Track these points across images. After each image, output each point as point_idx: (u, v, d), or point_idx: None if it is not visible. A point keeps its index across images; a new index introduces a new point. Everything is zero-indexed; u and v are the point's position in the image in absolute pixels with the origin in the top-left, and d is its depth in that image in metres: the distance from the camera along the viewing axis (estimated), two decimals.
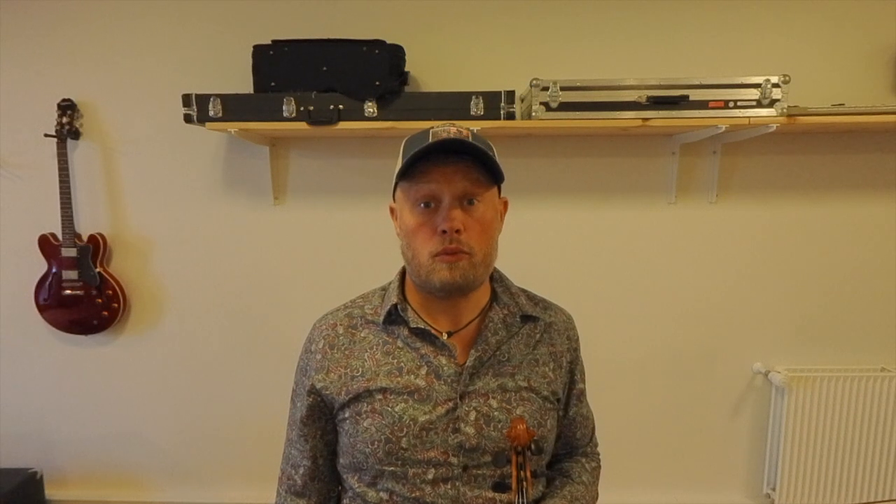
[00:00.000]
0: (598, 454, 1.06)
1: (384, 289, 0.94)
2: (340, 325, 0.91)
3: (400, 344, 0.87)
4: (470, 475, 0.83)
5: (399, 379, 0.84)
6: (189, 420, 2.18)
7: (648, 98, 1.69)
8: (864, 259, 2.03)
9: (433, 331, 0.86)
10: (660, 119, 1.70)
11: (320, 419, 0.90)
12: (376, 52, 1.76)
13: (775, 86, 1.68)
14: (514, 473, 0.77)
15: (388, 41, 1.79)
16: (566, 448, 1.00)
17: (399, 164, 0.84)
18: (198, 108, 1.75)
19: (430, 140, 0.80)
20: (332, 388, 0.87)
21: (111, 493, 2.22)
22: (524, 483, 0.76)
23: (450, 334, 0.87)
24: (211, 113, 1.74)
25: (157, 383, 2.16)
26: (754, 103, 1.70)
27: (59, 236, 1.99)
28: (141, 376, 2.16)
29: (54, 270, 2.01)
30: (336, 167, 2.02)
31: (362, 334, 0.89)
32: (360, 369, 0.86)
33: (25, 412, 2.19)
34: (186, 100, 1.75)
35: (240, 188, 2.05)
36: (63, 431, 2.20)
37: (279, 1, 1.94)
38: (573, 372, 0.96)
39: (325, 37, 1.81)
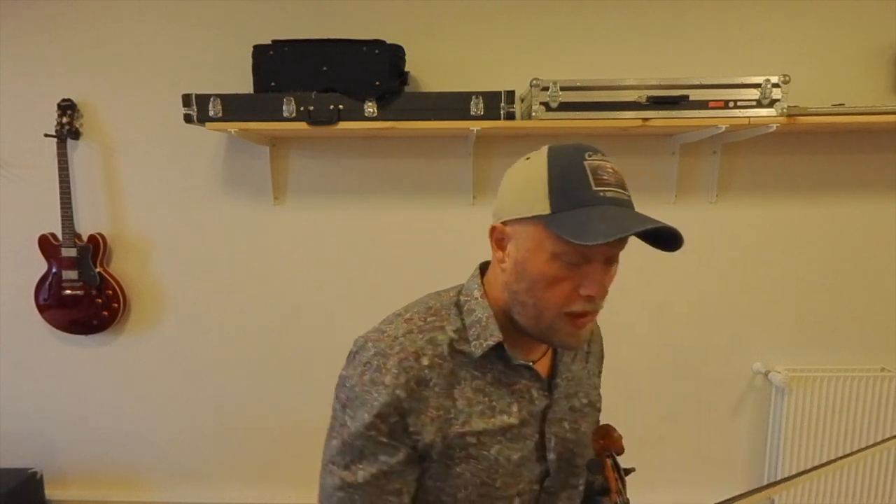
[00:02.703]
0: None
1: (458, 305, 0.81)
2: (424, 355, 0.75)
3: (490, 379, 0.78)
4: (547, 493, 0.84)
5: (493, 420, 0.77)
6: (189, 420, 2.18)
7: (648, 98, 1.69)
8: (863, 259, 2.03)
9: (533, 365, 0.80)
10: (660, 119, 1.70)
11: (412, 462, 0.76)
12: (376, 52, 1.76)
13: (775, 86, 1.68)
14: (612, 475, 0.79)
15: (388, 41, 1.79)
16: None
17: (543, 196, 0.71)
18: (198, 108, 1.75)
19: (592, 183, 0.69)
20: (425, 433, 0.74)
21: (111, 493, 2.22)
22: (621, 483, 0.78)
23: (533, 363, 0.82)
24: (211, 113, 1.74)
25: (158, 383, 2.16)
26: (754, 103, 1.70)
27: (59, 236, 1.99)
28: (141, 376, 2.16)
29: (54, 270, 2.01)
30: (336, 167, 2.02)
31: (449, 367, 0.76)
32: (452, 410, 0.76)
33: (25, 412, 2.19)
34: (186, 100, 1.75)
35: (240, 188, 2.05)
36: (63, 431, 2.20)
37: (279, 1, 1.94)
38: (601, 373, 1.00)
39: (325, 37, 1.81)
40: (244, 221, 2.06)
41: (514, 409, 0.79)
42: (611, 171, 0.72)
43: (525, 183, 0.74)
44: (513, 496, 0.80)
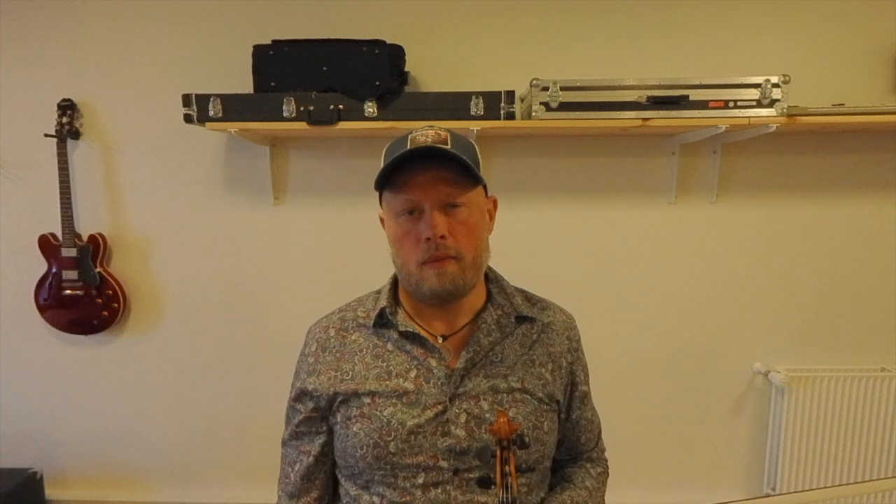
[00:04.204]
0: (606, 459, 1.03)
1: (378, 292, 0.94)
2: (332, 327, 0.92)
3: (390, 347, 0.87)
4: (461, 479, 0.81)
5: (388, 382, 0.84)
6: (189, 420, 2.18)
7: (648, 98, 1.69)
8: (863, 259, 2.03)
9: (423, 333, 0.86)
10: (660, 119, 1.70)
11: (315, 421, 0.89)
12: (376, 52, 1.76)
13: (775, 86, 1.68)
14: (499, 468, 0.75)
15: (388, 41, 1.79)
16: (570, 453, 0.98)
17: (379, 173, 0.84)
18: (198, 108, 1.75)
19: (409, 146, 0.80)
20: (322, 389, 0.87)
21: (111, 493, 2.22)
22: (508, 478, 0.74)
23: (444, 338, 0.87)
24: (211, 113, 1.74)
25: (157, 383, 2.16)
26: (754, 103, 1.70)
27: (59, 236, 1.99)
28: (141, 376, 2.16)
29: (54, 270, 2.01)
30: (336, 167, 2.02)
31: (353, 337, 0.90)
32: (350, 372, 0.86)
33: (25, 412, 2.19)
34: (186, 100, 1.75)
35: (240, 188, 2.05)
36: (63, 431, 2.20)
37: (279, 1, 1.94)
38: (574, 373, 0.94)
39: (325, 37, 1.81)
40: (244, 221, 2.06)
41: (412, 374, 0.85)
42: (432, 134, 0.82)
43: None
44: (415, 469, 0.81)
